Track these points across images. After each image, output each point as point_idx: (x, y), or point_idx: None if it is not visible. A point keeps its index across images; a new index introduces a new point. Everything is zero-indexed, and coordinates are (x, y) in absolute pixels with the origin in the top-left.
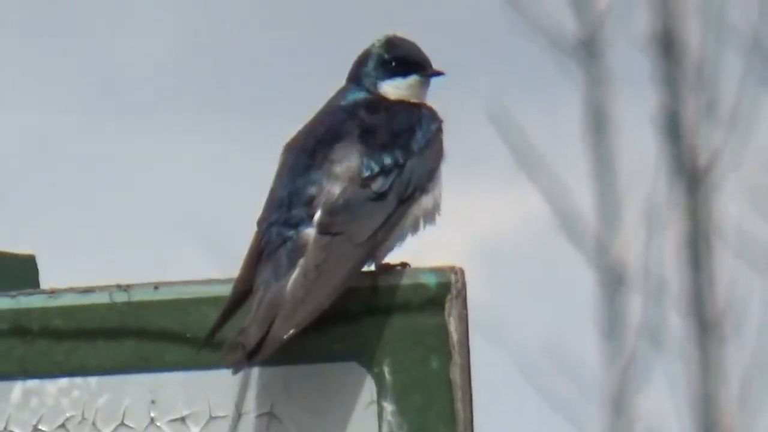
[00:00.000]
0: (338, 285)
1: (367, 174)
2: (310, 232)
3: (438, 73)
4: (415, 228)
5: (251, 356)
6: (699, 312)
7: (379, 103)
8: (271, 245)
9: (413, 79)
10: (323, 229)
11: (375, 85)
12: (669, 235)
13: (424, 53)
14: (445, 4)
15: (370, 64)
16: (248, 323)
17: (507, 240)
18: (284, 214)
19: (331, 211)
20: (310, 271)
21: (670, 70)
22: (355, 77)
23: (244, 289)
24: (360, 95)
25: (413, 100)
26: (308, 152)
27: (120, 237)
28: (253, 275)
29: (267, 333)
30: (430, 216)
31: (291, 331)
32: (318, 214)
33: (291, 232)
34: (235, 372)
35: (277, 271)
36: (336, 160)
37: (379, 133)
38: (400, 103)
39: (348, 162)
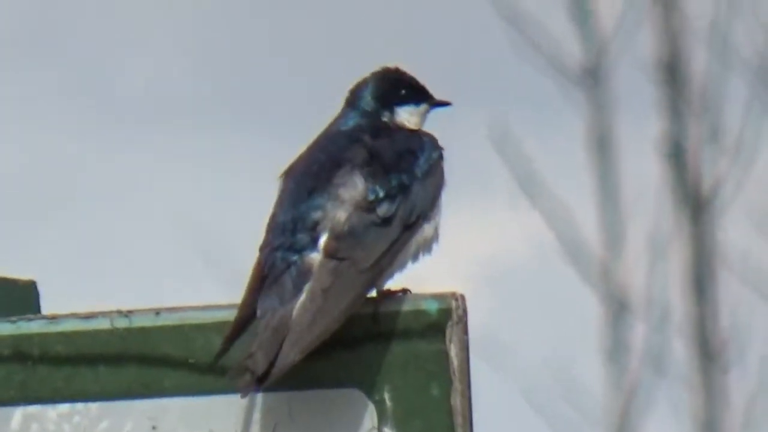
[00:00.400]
0: (344, 310)
1: (372, 198)
2: (315, 256)
3: (446, 103)
4: (416, 255)
5: (260, 381)
6: (702, 338)
7: (380, 129)
8: (275, 270)
9: (424, 107)
10: (329, 254)
11: (379, 111)
12: (672, 262)
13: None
14: (449, 29)
15: (374, 91)
16: (255, 348)
17: (511, 265)
18: (288, 239)
19: (337, 236)
20: (316, 295)
21: (674, 97)
22: (355, 103)
23: (247, 314)
24: (361, 121)
25: (418, 127)
26: (311, 177)
27: (122, 262)
28: (257, 300)
29: (275, 358)
30: (430, 244)
31: (298, 356)
32: (323, 239)
33: (295, 257)
34: (243, 396)
35: (283, 296)
36: (340, 185)
37: (383, 158)
38: (402, 130)
39: (353, 186)
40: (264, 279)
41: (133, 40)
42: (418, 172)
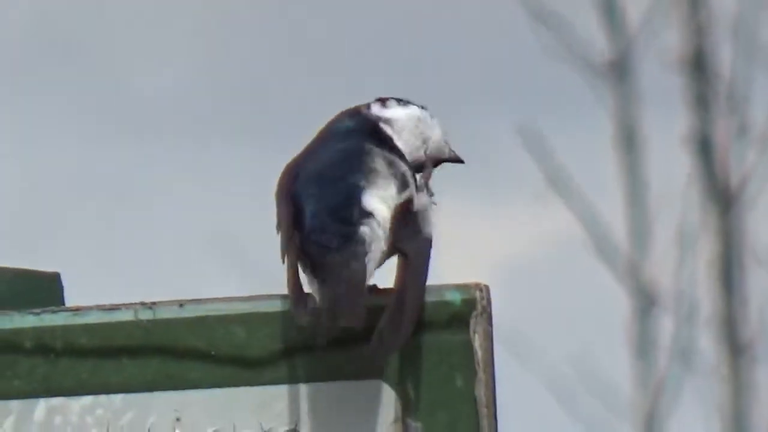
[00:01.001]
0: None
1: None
2: (367, 228)
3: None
4: None
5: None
6: (731, 333)
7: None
8: (325, 248)
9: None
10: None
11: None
12: (701, 256)
13: None
14: (473, 24)
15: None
16: (383, 325)
17: (538, 260)
18: (333, 218)
19: (405, 206)
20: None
21: (701, 90)
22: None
23: (305, 298)
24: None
25: None
26: (337, 164)
27: (145, 255)
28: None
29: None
30: None
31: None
32: (380, 209)
33: (350, 230)
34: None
35: (353, 269)
36: (374, 168)
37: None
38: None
39: (392, 165)
40: (317, 264)
41: (151, 48)
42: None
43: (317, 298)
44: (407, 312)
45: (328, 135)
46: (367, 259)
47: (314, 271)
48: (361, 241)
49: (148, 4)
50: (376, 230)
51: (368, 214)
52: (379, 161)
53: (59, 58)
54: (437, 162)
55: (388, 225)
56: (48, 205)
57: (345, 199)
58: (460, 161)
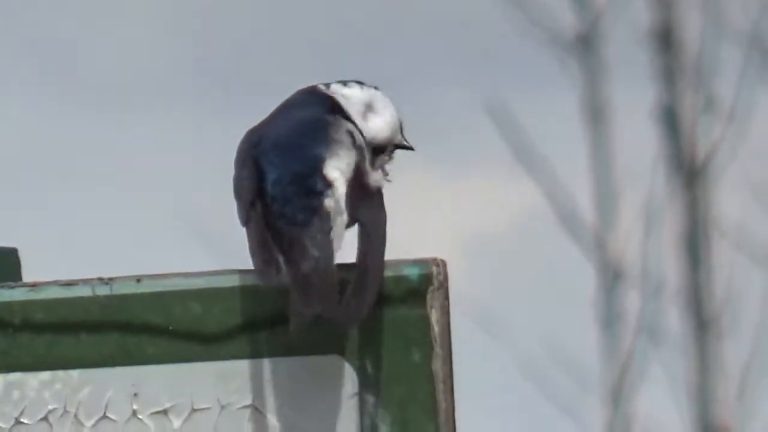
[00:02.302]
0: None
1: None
2: (331, 200)
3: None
4: None
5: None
6: (697, 307)
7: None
8: (291, 220)
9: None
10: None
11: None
12: (667, 230)
13: None
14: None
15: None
16: (349, 295)
17: (504, 234)
18: (295, 189)
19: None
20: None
21: (668, 65)
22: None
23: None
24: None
25: None
26: (295, 133)
27: (104, 230)
28: (278, 256)
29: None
30: None
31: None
32: (341, 176)
33: (314, 202)
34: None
35: (316, 243)
36: (335, 139)
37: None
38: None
39: (349, 140)
40: (282, 234)
41: (113, 18)
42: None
43: (285, 275)
44: (370, 280)
45: (290, 105)
46: (332, 235)
47: (280, 244)
48: (327, 216)
49: None
50: (339, 203)
51: (330, 185)
52: (339, 132)
53: (15, 28)
54: (392, 146)
55: (345, 197)
56: (4, 179)
57: (308, 168)
58: (411, 149)
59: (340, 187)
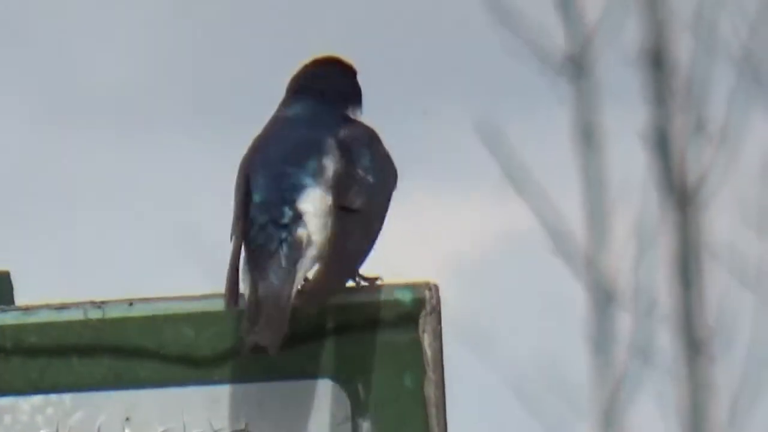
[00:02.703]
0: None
1: (361, 165)
2: (303, 231)
3: None
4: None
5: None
6: (689, 328)
7: (342, 118)
8: (264, 248)
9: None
10: (343, 206)
11: (339, 103)
12: (659, 252)
13: None
14: (432, 18)
15: (335, 83)
16: (262, 324)
17: (496, 255)
18: (272, 216)
19: (345, 189)
20: (326, 256)
21: (659, 86)
22: (306, 90)
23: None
24: (316, 107)
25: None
26: (281, 159)
27: (96, 253)
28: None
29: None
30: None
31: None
32: (321, 199)
33: (285, 233)
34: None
35: (278, 273)
36: (323, 159)
37: (356, 140)
38: (360, 122)
39: (335, 160)
40: (253, 259)
41: (108, 37)
42: (381, 161)
43: (245, 297)
44: (341, 266)
45: (285, 120)
46: (298, 266)
47: (250, 266)
48: (297, 246)
49: None
50: (311, 235)
51: (303, 217)
52: (326, 156)
53: (10, 48)
54: None
55: (326, 222)
56: None
57: (287, 197)
58: None
59: (314, 219)
